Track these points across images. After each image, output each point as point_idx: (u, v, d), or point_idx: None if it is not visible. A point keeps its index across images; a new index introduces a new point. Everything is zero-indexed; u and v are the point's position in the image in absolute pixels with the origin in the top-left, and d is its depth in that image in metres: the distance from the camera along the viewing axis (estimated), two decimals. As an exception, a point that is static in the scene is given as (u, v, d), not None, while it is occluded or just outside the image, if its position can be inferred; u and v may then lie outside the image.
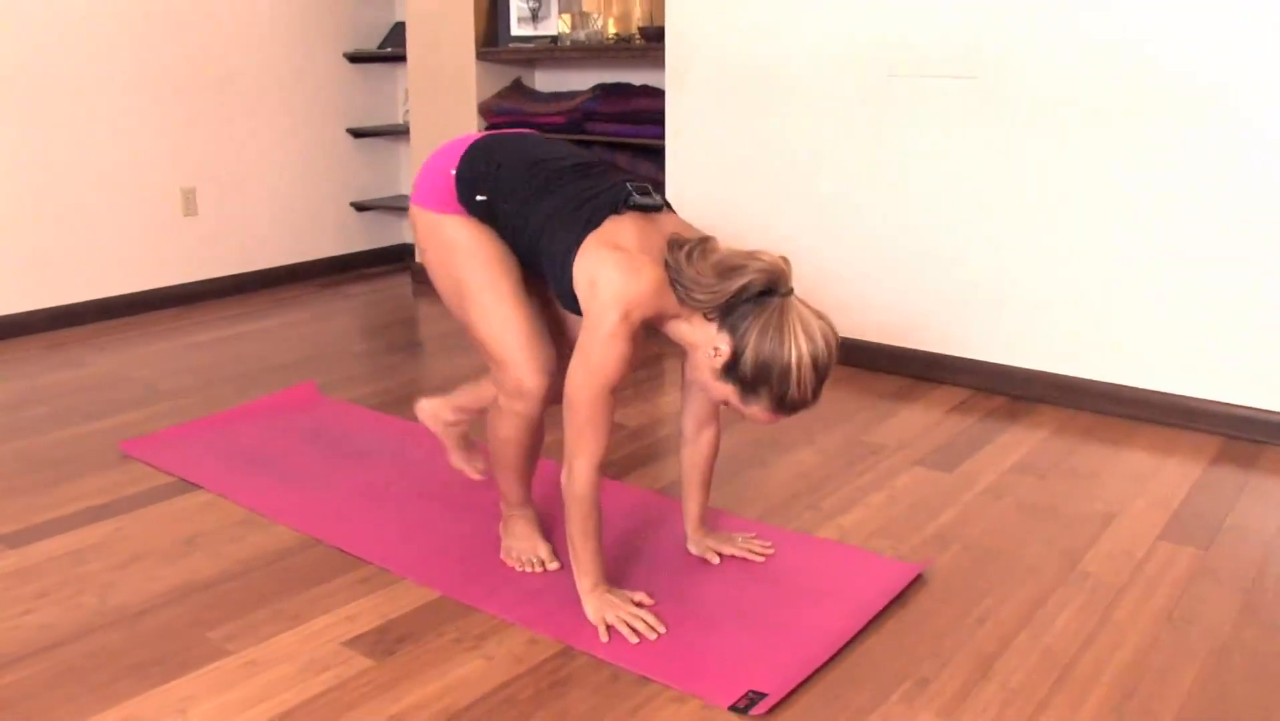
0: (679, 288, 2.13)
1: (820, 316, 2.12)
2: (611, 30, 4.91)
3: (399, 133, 5.78)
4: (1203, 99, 3.26)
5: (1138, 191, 3.41)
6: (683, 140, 4.39)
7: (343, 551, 2.64)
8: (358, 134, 5.74)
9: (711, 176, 4.34)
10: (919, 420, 3.52)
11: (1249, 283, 3.28)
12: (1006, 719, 1.98)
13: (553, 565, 2.52)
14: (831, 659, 2.17)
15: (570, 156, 2.37)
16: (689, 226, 2.31)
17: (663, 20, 4.59)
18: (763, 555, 2.57)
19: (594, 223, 2.18)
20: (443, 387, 3.83)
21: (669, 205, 2.33)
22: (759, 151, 4.19)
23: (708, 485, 2.57)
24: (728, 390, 2.14)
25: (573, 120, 4.84)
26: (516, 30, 5.07)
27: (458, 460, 2.86)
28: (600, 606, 2.27)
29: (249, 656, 2.19)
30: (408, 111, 5.62)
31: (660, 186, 4.11)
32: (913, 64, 3.76)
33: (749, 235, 4.26)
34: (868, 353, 4.06)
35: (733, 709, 1.99)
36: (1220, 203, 3.29)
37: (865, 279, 4.02)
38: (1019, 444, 3.31)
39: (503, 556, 2.58)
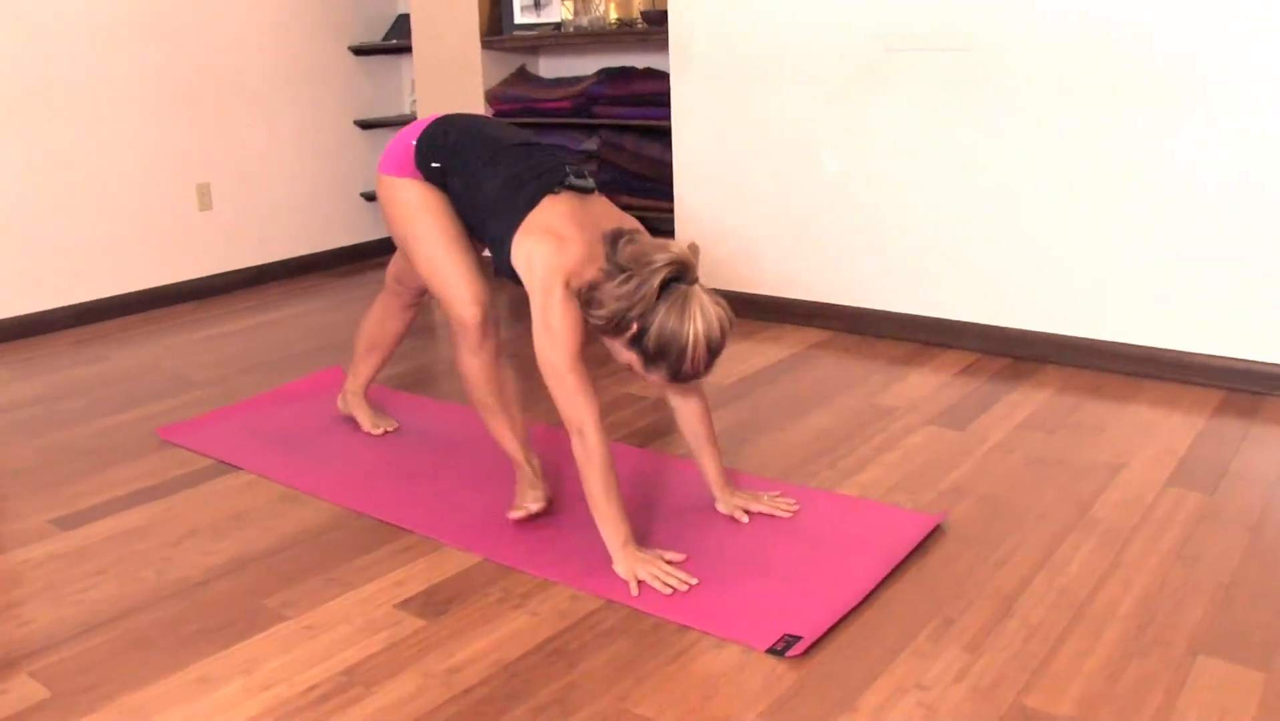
0: (598, 296, 2.38)
1: (718, 303, 2.34)
2: (613, 15, 5.02)
3: (406, 123, 5.88)
4: (1200, 67, 3.37)
5: (1135, 156, 3.52)
6: (688, 120, 4.50)
7: (384, 522, 2.75)
8: (365, 125, 5.84)
9: (717, 155, 4.45)
10: (928, 383, 3.63)
11: (1245, 241, 3.39)
12: (1029, 651, 2.10)
13: (535, 507, 2.71)
14: (860, 604, 2.29)
15: (518, 136, 2.71)
16: (616, 210, 2.61)
17: (664, 4, 4.69)
18: (788, 511, 2.69)
19: (532, 203, 2.49)
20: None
21: (597, 189, 2.64)
22: (763, 128, 4.30)
23: (714, 442, 2.70)
24: (632, 357, 2.39)
25: (579, 105, 4.95)
26: (520, 18, 5.17)
27: (368, 423, 3.35)
28: (631, 562, 2.39)
29: (306, 621, 2.30)
30: (414, 102, 5.72)
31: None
32: (909, 38, 3.87)
33: (753, 210, 4.37)
34: (875, 320, 4.18)
35: (770, 651, 2.11)
36: (1216, 164, 3.40)
37: (870, 250, 4.14)
38: (1026, 402, 3.43)
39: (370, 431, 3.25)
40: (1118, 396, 3.47)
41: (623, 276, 2.33)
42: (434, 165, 2.70)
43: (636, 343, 2.34)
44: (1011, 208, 3.79)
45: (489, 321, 2.73)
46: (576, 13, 5.06)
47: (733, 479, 2.83)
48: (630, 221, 2.56)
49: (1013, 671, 2.04)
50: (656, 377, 2.39)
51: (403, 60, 6.05)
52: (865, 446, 3.13)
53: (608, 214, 2.55)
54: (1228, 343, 3.48)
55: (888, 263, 4.12)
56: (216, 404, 3.68)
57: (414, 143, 2.73)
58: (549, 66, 5.49)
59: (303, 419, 3.47)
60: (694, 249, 2.36)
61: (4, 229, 4.53)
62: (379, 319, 3.27)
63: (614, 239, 2.41)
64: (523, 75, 5.31)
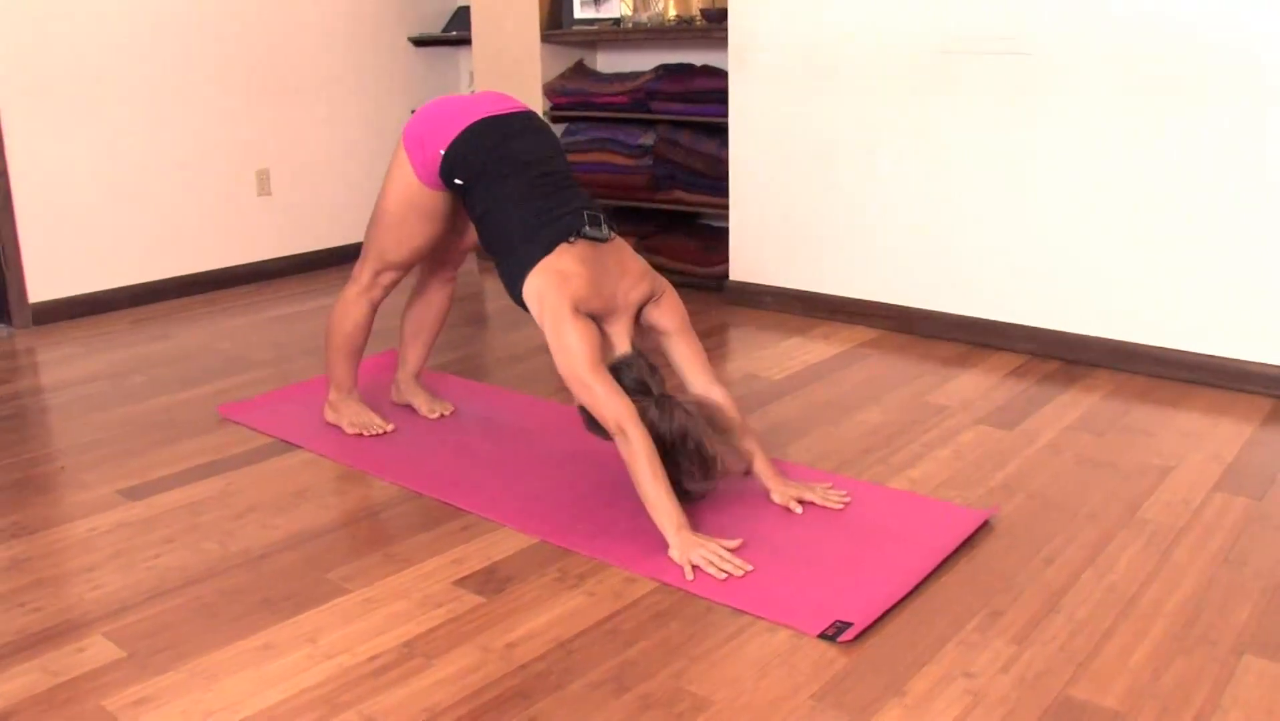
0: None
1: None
2: (672, 12, 5.07)
3: (462, 114, 5.94)
4: (1254, 72, 3.38)
5: (1188, 162, 3.53)
6: (745, 118, 4.54)
7: (443, 502, 2.82)
8: (422, 116, 5.91)
9: (773, 152, 4.49)
10: (978, 383, 3.66)
11: (1299, 248, 3.40)
12: (1075, 645, 2.13)
13: (389, 427, 3.27)
14: (910, 593, 2.33)
15: (544, 162, 2.80)
16: (634, 255, 2.76)
17: (724, 2, 4.73)
18: (840, 503, 2.73)
19: (548, 249, 2.63)
20: (515, 357, 4.01)
21: (615, 234, 2.77)
22: (818, 127, 4.34)
23: (751, 435, 2.77)
24: None
25: (636, 100, 5.00)
26: (580, 13, 5.23)
27: (425, 407, 3.45)
28: (685, 546, 2.44)
29: (367, 594, 2.37)
30: (473, 93, 5.78)
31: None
32: (966, 40, 3.89)
33: (808, 208, 4.41)
34: (926, 320, 4.21)
35: (822, 636, 2.16)
36: (1273, 171, 3.40)
37: (923, 250, 4.16)
38: (1076, 404, 3.45)
39: (344, 426, 3.28)
40: (1168, 401, 3.48)
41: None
42: (457, 182, 2.82)
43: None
44: (1065, 212, 3.81)
45: (385, 293, 3.15)
46: (636, 8, 5.11)
47: (785, 470, 2.87)
48: (639, 271, 2.74)
49: (1059, 664, 2.07)
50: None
51: (461, 52, 6.12)
52: (916, 443, 3.16)
53: (620, 261, 2.71)
54: (1280, 351, 3.49)
55: (941, 263, 4.14)
56: (274, 384, 3.76)
57: (442, 152, 2.82)
58: (607, 61, 5.55)
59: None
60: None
61: (72, 211, 4.63)
62: (420, 302, 3.38)
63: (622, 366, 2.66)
64: (581, 69, 5.37)
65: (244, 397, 3.63)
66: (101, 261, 4.78)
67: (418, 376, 3.46)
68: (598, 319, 2.67)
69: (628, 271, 2.71)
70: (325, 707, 1.96)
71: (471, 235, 3.26)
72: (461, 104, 2.88)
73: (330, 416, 3.31)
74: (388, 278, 3.12)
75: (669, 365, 2.84)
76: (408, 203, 2.96)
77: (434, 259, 3.31)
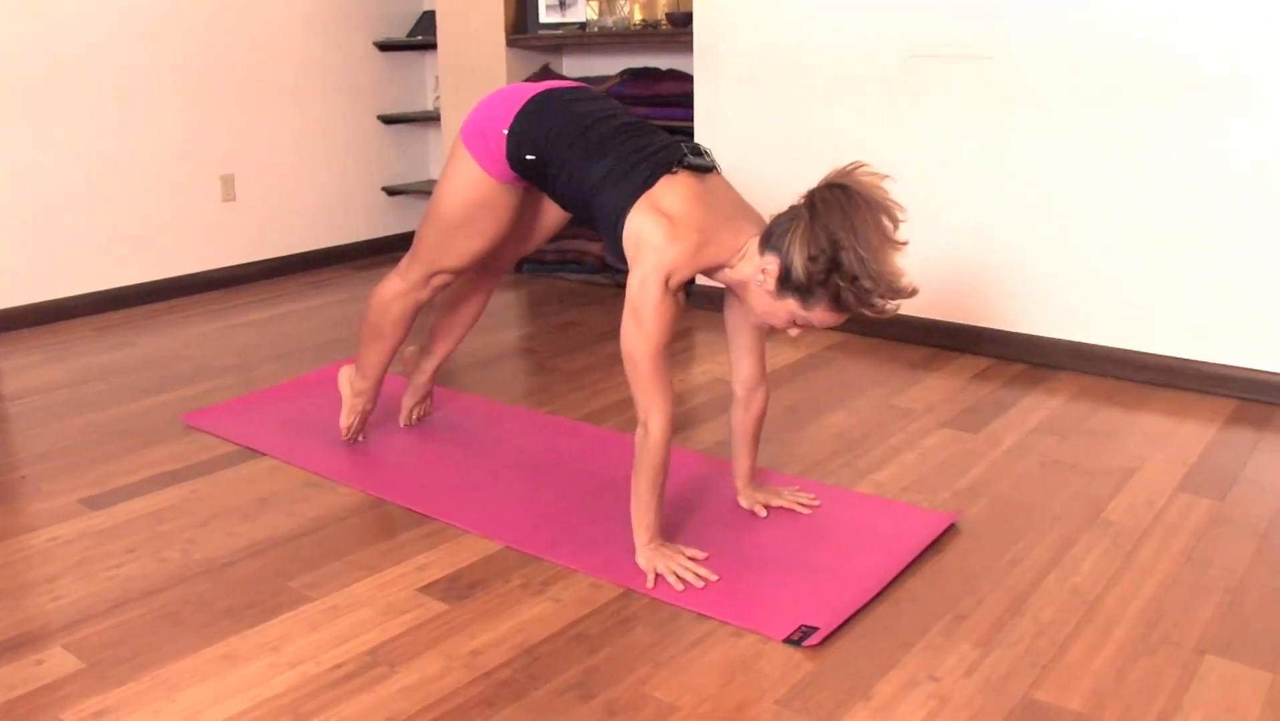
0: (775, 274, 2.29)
1: (877, 187, 2.21)
2: (638, 16, 5.07)
3: (429, 119, 5.93)
4: (1218, 74, 3.41)
5: (1151, 165, 3.56)
6: (710, 122, 4.55)
7: (407, 509, 2.80)
8: (388, 120, 5.90)
9: (739, 157, 4.49)
10: (944, 386, 3.67)
11: (1261, 251, 3.43)
12: (1039, 648, 2.14)
13: (360, 439, 3.25)
14: (876, 597, 2.33)
15: (620, 115, 2.55)
16: (736, 193, 2.49)
17: (689, 6, 4.73)
18: (808, 507, 2.73)
19: (650, 182, 2.35)
20: (483, 362, 4.00)
21: (718, 167, 2.50)
22: (784, 131, 4.35)
23: (757, 442, 2.74)
24: (789, 305, 2.28)
25: (601, 104, 5.00)
26: (545, 17, 5.23)
27: (407, 403, 3.38)
28: (652, 556, 2.43)
29: (331, 602, 2.35)
30: (438, 98, 5.77)
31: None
32: (932, 44, 3.91)
33: (774, 212, 4.40)
34: (892, 324, 4.22)
35: (787, 641, 2.16)
36: (1233, 174, 3.43)
37: (889, 253, 4.17)
38: (1040, 407, 3.47)
39: (342, 424, 3.21)
40: (1131, 404, 3.50)
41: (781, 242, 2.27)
42: (528, 158, 2.55)
43: (785, 283, 2.25)
44: (1029, 215, 3.83)
45: (435, 295, 2.98)
46: (601, 12, 5.11)
47: (757, 475, 2.87)
48: (752, 207, 2.49)
49: (1023, 666, 2.08)
50: (821, 314, 2.26)
51: (427, 57, 6.10)
52: (882, 446, 3.17)
53: (729, 195, 2.46)
54: (1241, 353, 3.52)
55: (906, 267, 4.14)
56: (239, 391, 3.74)
57: (505, 133, 2.56)
58: (573, 66, 5.54)
59: (325, 407, 3.52)
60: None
61: (32, 216, 4.59)
62: (458, 305, 3.21)
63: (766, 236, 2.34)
64: (546, 74, 5.36)
65: (208, 405, 3.61)
66: (64, 268, 4.73)
67: (429, 380, 3.34)
68: (709, 271, 2.40)
69: (745, 212, 2.44)
70: (288, 717, 1.95)
71: (526, 240, 3.04)
72: (514, 89, 2.63)
73: (344, 392, 3.19)
74: (440, 280, 2.91)
75: (724, 334, 2.62)
76: (475, 202, 2.69)
77: (482, 264, 3.08)
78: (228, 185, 5.25)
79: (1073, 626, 2.22)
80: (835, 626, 2.20)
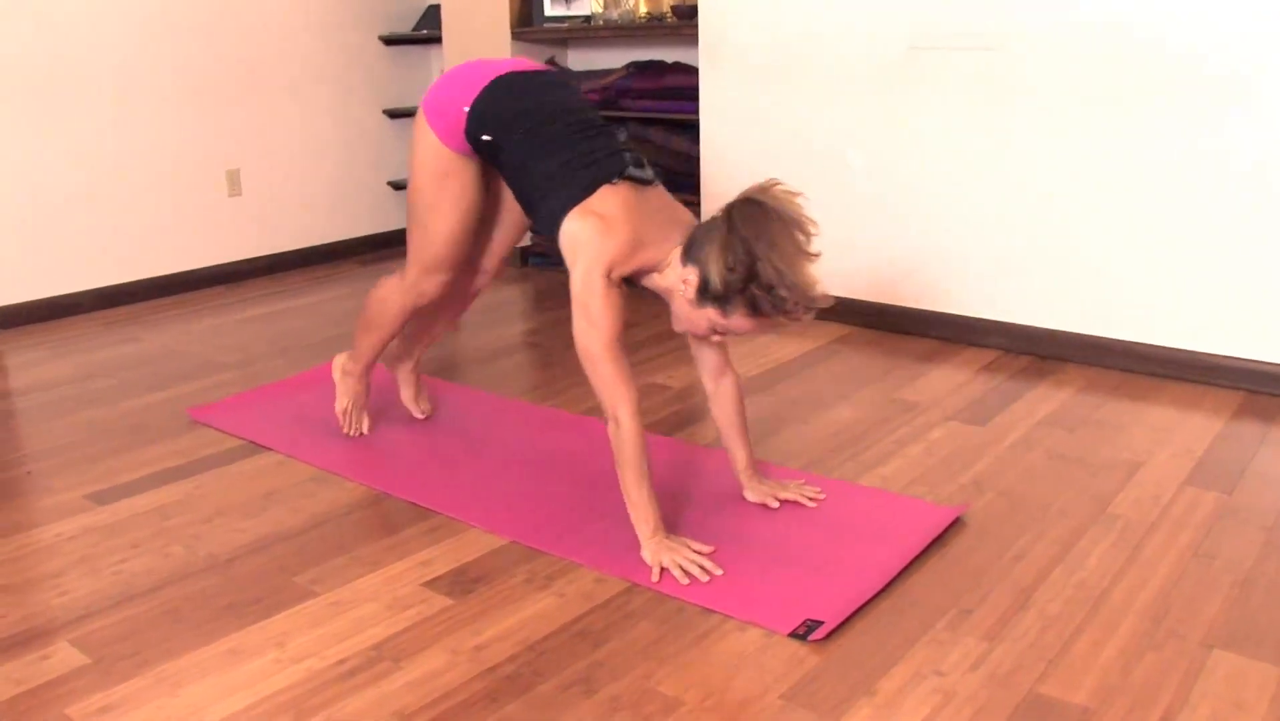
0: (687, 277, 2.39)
1: (791, 202, 2.31)
2: (643, 9, 5.05)
3: (434, 113, 5.92)
4: (1223, 69, 3.39)
5: (1158, 157, 3.55)
6: (716, 115, 4.54)
7: (411, 504, 2.80)
8: (394, 115, 5.89)
9: (745, 149, 4.48)
10: (950, 379, 3.66)
11: (1268, 243, 3.41)
12: (1045, 642, 2.13)
13: (365, 429, 3.26)
14: (881, 591, 2.32)
15: (577, 111, 2.61)
16: (675, 202, 2.58)
17: (694, -1, 4.72)
18: (814, 500, 2.73)
19: (590, 189, 2.44)
20: (486, 357, 4.00)
21: (659, 180, 2.60)
22: (790, 124, 4.34)
23: (745, 430, 2.74)
24: (708, 313, 2.37)
25: (607, 97, 4.99)
26: (550, 10, 5.22)
27: (407, 397, 3.38)
28: (658, 550, 2.42)
29: (335, 597, 2.35)
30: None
31: (692, 157, 4.24)
32: (937, 37, 3.89)
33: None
34: (898, 316, 4.21)
35: (792, 635, 2.15)
36: (1240, 166, 3.42)
37: (894, 246, 4.17)
38: (1047, 400, 3.46)
39: (337, 399, 3.24)
40: (1138, 396, 3.49)
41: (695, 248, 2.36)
42: (485, 138, 2.61)
43: (704, 293, 2.33)
44: (1037, 207, 3.82)
45: (428, 301, 2.96)
46: (606, 6, 5.10)
47: (762, 470, 2.87)
48: (687, 215, 2.56)
49: (1029, 661, 2.07)
50: (738, 320, 2.34)
51: (432, 51, 6.09)
52: (887, 440, 3.16)
53: (665, 206, 2.52)
54: (1249, 345, 3.50)
55: (912, 259, 4.15)
56: (244, 386, 3.74)
57: (466, 110, 2.61)
58: (578, 59, 5.53)
59: (330, 402, 3.51)
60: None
61: (37, 212, 4.59)
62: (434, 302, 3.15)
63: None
64: (551, 67, 5.35)
65: (213, 400, 3.61)
66: (69, 264, 4.74)
67: (414, 368, 3.37)
68: (644, 273, 2.48)
69: (678, 221, 2.51)
70: (293, 712, 1.95)
71: (504, 229, 3.04)
72: (481, 65, 2.68)
73: (336, 376, 3.25)
74: (432, 283, 2.90)
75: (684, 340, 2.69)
76: (437, 174, 2.71)
77: (466, 258, 3.02)
78: (233, 180, 5.25)
79: (1079, 620, 2.21)
80: (840, 621, 2.19)
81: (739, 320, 2.34)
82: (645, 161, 2.54)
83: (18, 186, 4.52)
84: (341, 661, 2.11)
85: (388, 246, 6.05)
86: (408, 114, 5.92)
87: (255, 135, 5.32)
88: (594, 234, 2.39)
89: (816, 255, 2.32)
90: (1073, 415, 3.33)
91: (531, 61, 2.74)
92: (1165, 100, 3.50)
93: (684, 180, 4.86)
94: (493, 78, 2.62)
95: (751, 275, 2.25)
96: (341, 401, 3.24)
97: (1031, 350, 3.92)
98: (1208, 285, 3.54)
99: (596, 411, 3.40)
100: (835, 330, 4.26)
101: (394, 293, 2.98)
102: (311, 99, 5.54)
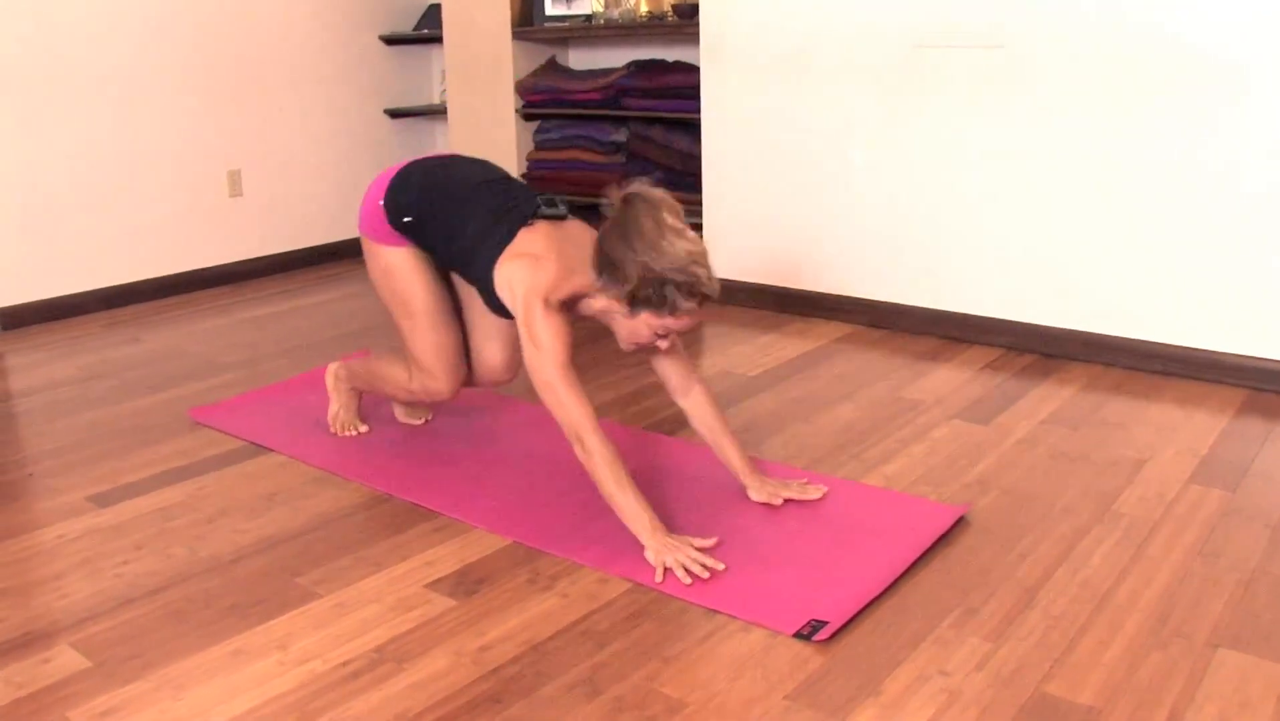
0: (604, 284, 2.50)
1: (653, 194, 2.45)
2: (644, 8, 5.05)
3: (435, 113, 5.92)
4: (1227, 67, 3.39)
5: (1162, 156, 3.54)
6: (717, 114, 4.53)
7: (414, 505, 2.79)
8: (395, 114, 5.89)
9: (746, 148, 4.48)
10: (953, 377, 3.66)
11: (1271, 241, 3.41)
12: (1050, 641, 2.13)
13: (363, 429, 3.28)
14: (885, 591, 2.32)
15: (480, 173, 2.80)
16: (591, 231, 2.64)
17: (695, -3, 4.72)
18: (818, 496, 2.72)
19: (509, 236, 2.59)
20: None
21: (571, 214, 2.72)
22: (792, 123, 4.33)
23: (730, 434, 2.76)
24: (646, 319, 2.45)
25: (608, 96, 4.99)
26: (551, 10, 5.21)
27: (402, 414, 3.37)
28: (660, 549, 2.42)
29: (338, 599, 2.35)
30: (444, 92, 5.76)
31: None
32: (940, 35, 3.89)
33: (781, 204, 4.40)
34: (900, 315, 4.20)
35: (797, 636, 2.15)
36: (1242, 164, 3.41)
37: (897, 245, 4.16)
38: (1051, 398, 3.45)
39: (329, 414, 3.28)
40: (1142, 394, 3.48)
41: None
42: (406, 220, 2.78)
43: (635, 303, 2.43)
44: (1040, 205, 3.81)
45: (455, 391, 2.97)
46: (607, 5, 5.09)
47: (761, 468, 2.86)
48: None
49: (1034, 660, 2.07)
50: (672, 321, 2.44)
51: (433, 50, 6.09)
52: (890, 438, 3.16)
53: (582, 235, 2.63)
54: (1252, 342, 3.49)
55: (915, 257, 4.14)
56: (247, 386, 3.73)
57: (381, 204, 2.81)
58: (579, 58, 5.52)
59: (333, 403, 3.51)
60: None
61: (38, 213, 4.59)
62: None
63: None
64: (553, 67, 5.35)
65: (216, 400, 3.60)
66: (72, 264, 4.73)
67: None
68: (578, 299, 2.58)
69: (591, 243, 2.59)
70: (296, 715, 1.94)
71: (484, 351, 3.02)
72: (384, 173, 2.89)
73: (329, 383, 3.29)
74: (434, 387, 2.94)
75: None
76: (386, 273, 2.88)
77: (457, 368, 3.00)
78: (234, 180, 5.25)
79: (1084, 619, 2.20)
80: (845, 621, 2.19)
81: (674, 321, 2.44)
82: (557, 200, 2.67)
83: (18, 187, 4.52)
84: (345, 663, 2.10)
85: (389, 246, 6.03)
86: (409, 114, 5.91)
87: (256, 136, 5.32)
88: (524, 270, 2.51)
89: (685, 229, 2.42)
90: (1076, 413, 3.32)
91: (430, 153, 2.90)
92: (1167, 98, 3.49)
93: (685, 180, 4.85)
94: (394, 174, 2.83)
95: (646, 270, 2.36)
96: (333, 407, 3.29)
97: (1034, 348, 3.91)
98: (1210, 282, 3.53)
99: (599, 411, 3.40)
100: (838, 329, 4.26)
101: (401, 376, 3.02)
102: (312, 99, 5.54)
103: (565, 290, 2.52)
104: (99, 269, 4.83)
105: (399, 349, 3.06)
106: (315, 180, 5.62)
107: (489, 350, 3.00)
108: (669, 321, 2.44)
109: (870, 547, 2.49)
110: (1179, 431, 3.17)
